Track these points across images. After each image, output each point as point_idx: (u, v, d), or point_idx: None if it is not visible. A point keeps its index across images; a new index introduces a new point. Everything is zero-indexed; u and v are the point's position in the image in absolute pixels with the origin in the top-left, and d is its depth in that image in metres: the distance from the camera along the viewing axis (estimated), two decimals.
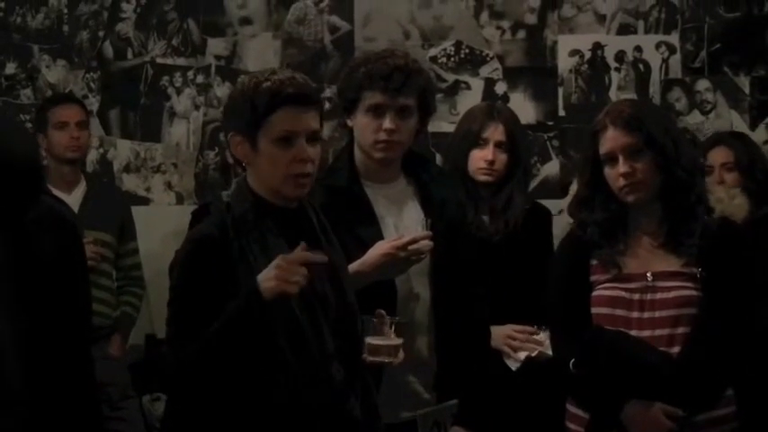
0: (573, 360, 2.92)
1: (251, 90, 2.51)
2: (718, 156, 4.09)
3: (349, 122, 3.02)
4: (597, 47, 4.98)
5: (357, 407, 2.55)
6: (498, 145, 3.66)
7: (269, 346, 2.41)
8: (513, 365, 3.55)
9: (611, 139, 2.94)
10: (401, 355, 2.70)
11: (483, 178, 3.66)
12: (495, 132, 3.67)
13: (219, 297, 2.41)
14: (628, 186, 2.92)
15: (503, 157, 3.66)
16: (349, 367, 2.55)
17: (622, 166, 2.91)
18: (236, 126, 2.54)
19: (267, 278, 2.37)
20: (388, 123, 2.93)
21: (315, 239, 2.57)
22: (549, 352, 3.31)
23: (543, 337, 3.51)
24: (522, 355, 3.55)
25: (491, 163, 3.65)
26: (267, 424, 2.44)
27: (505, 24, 5.02)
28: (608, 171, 2.95)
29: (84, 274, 2.42)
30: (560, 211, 4.19)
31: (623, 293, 2.94)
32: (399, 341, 2.68)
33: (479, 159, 3.66)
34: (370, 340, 2.65)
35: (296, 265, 2.38)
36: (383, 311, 2.68)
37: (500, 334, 3.54)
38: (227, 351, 2.40)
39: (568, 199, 3.55)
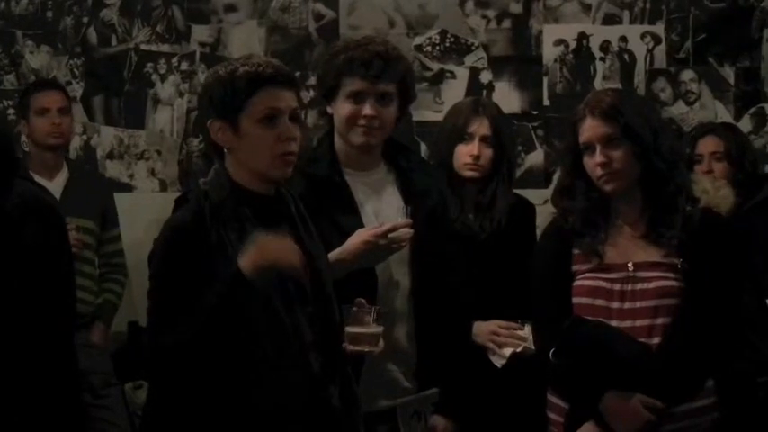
0: (552, 350, 2.91)
1: (228, 75, 2.53)
2: (708, 145, 4.10)
3: (329, 109, 3.02)
4: (582, 37, 4.98)
5: (336, 395, 2.55)
6: (483, 140, 3.65)
7: (247, 336, 2.41)
8: (498, 362, 3.54)
9: (588, 128, 2.94)
10: (381, 343, 2.70)
11: (469, 174, 3.65)
12: (481, 127, 3.66)
13: (198, 284, 2.41)
14: (605, 176, 2.92)
15: (488, 152, 3.66)
16: (327, 357, 2.55)
17: (599, 156, 2.91)
18: (215, 112, 2.54)
19: (246, 256, 2.39)
20: (368, 110, 2.92)
21: (293, 228, 2.57)
22: (534, 347, 3.31)
23: (527, 332, 3.50)
24: (507, 351, 3.53)
25: (476, 158, 3.64)
26: (245, 413, 2.44)
27: (491, 13, 5.02)
28: (586, 160, 2.95)
29: (69, 261, 2.42)
30: (545, 201, 4.19)
31: (604, 283, 2.94)
32: (380, 329, 2.69)
33: (465, 155, 3.65)
34: (350, 329, 2.65)
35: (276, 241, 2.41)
36: (363, 300, 2.69)
37: (484, 330, 3.53)
38: (209, 335, 2.40)
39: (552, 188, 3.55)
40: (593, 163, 2.93)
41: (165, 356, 2.44)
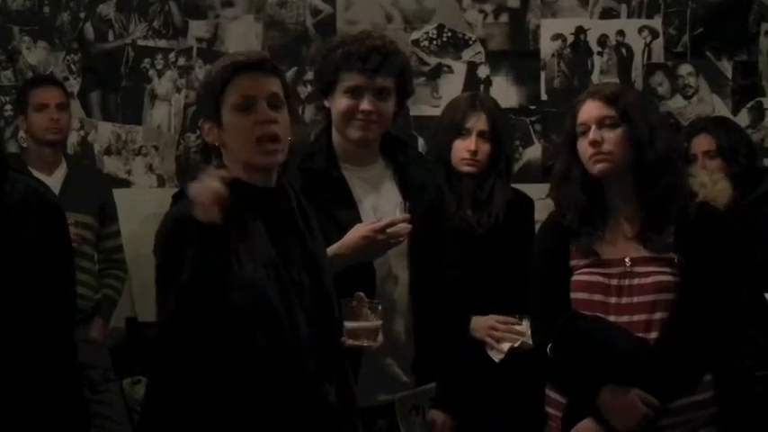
0: (550, 345, 2.92)
1: (211, 73, 2.55)
2: (701, 144, 4.09)
3: (326, 104, 3.02)
4: (580, 31, 4.98)
5: (332, 393, 2.54)
6: (481, 135, 3.65)
7: (244, 336, 2.41)
8: (497, 357, 3.54)
9: (587, 110, 2.94)
10: (380, 337, 2.70)
11: (466, 169, 3.65)
12: (478, 122, 3.66)
13: None
14: (595, 155, 2.91)
15: (485, 147, 3.65)
16: (324, 354, 2.54)
17: (592, 134, 2.90)
18: (203, 111, 2.57)
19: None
20: (365, 104, 2.92)
21: (293, 223, 2.56)
22: (532, 342, 3.31)
23: (525, 327, 3.50)
24: (506, 346, 3.53)
25: (474, 153, 3.63)
26: (241, 411, 2.43)
27: (488, 8, 5.02)
28: (580, 142, 2.95)
29: (70, 257, 2.42)
30: (546, 196, 4.18)
31: (601, 279, 2.94)
32: (378, 323, 2.68)
33: (462, 150, 3.64)
34: (348, 324, 2.64)
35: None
36: (362, 294, 2.68)
37: (482, 325, 3.53)
38: (198, 295, 2.36)
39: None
40: (585, 144, 2.93)
41: (165, 333, 2.41)
